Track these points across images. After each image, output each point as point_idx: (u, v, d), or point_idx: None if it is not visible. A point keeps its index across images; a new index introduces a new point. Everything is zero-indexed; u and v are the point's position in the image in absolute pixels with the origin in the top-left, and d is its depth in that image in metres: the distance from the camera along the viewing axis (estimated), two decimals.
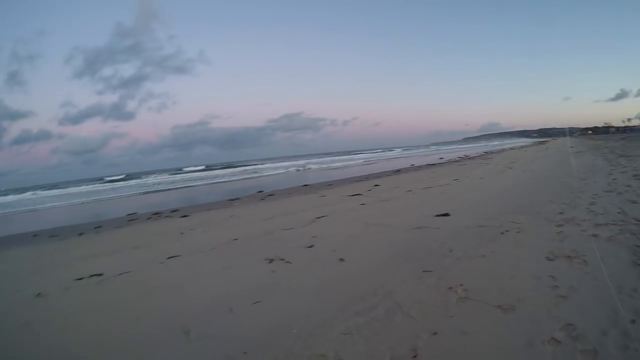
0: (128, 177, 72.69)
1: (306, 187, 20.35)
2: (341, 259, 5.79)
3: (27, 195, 53.72)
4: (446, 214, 7.92)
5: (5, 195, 57.26)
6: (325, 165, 50.48)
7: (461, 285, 4.21)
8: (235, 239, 8.30)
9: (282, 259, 6.23)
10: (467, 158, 33.82)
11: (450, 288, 4.17)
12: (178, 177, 60.40)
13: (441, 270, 4.79)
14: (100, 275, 6.95)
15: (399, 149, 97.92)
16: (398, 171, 24.72)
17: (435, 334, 3.35)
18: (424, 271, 4.80)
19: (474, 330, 3.35)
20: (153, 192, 35.62)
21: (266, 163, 76.87)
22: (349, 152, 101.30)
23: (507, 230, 6.28)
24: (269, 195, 18.57)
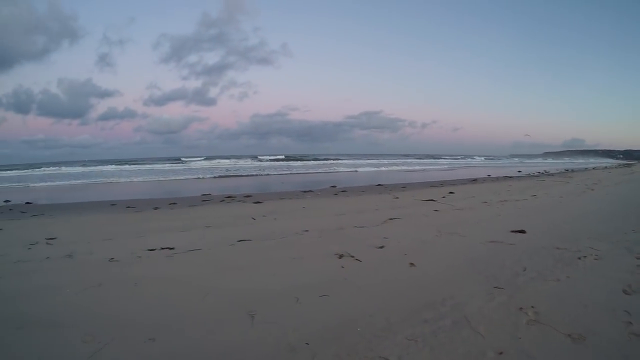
0: (207, 159, 74.17)
1: (380, 187, 20.28)
2: (412, 264, 5.76)
3: (109, 167, 55.80)
4: (522, 231, 7.69)
5: (86, 166, 59.55)
6: (404, 168, 50.09)
7: (532, 307, 4.09)
8: (306, 231, 8.39)
9: (352, 256, 6.26)
10: (547, 174, 32.50)
11: (521, 309, 4.07)
12: (256, 163, 61.51)
13: (513, 288, 4.68)
14: (171, 249, 7.20)
15: (477, 158, 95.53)
16: (474, 180, 24.17)
17: (501, 353, 3.28)
18: (495, 287, 4.70)
19: (541, 356, 3.26)
20: (229, 176, 36.22)
21: (343, 159, 76.79)
22: (426, 156, 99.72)
23: (584, 256, 6.00)
24: (342, 191, 18.66)
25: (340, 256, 6.28)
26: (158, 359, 3.45)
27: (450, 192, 15.59)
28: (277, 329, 3.88)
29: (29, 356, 3.57)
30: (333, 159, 74.77)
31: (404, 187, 20.02)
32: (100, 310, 4.52)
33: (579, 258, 5.90)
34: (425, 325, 3.78)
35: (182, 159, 77.92)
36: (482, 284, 4.83)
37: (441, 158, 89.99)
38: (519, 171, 37.31)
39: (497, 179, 26.06)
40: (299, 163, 62.16)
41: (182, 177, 34.65)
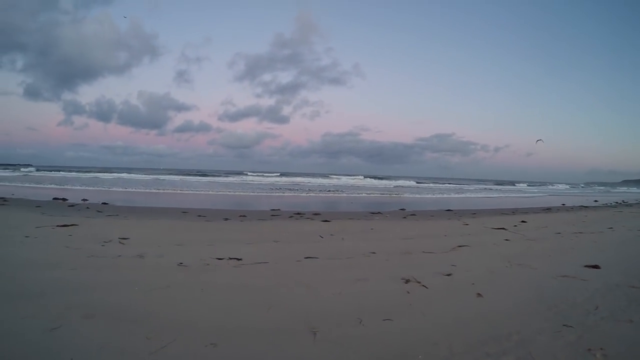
0: (281, 175, 75.53)
1: (449, 212, 20.00)
2: (479, 294, 5.67)
3: (183, 176, 57.79)
4: (596, 266, 7.41)
5: (161, 174, 61.87)
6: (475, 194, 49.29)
7: (601, 349, 3.95)
8: (373, 252, 8.41)
9: (419, 282, 6.23)
10: (625, 204, 31.14)
11: (589, 350, 3.94)
12: (333, 181, 62.25)
13: (583, 328, 4.52)
14: (239, 259, 7.41)
15: (552, 185, 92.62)
16: (548, 209, 23.39)
17: None
18: (564, 325, 4.56)
19: None
20: (299, 193, 36.56)
21: (413, 181, 76.57)
22: (497, 182, 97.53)
23: None
24: (411, 214, 18.51)
25: (407, 281, 6.27)
26: None
27: (522, 221, 15.16)
28: (338, 348, 3.94)
29: (92, 344, 3.84)
30: (403, 180, 74.42)
31: (474, 213, 19.67)
32: (166, 311, 4.77)
33: None
34: (488, 359, 3.73)
35: (249, 173, 79.64)
36: (551, 321, 4.71)
37: (513, 184, 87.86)
38: (595, 200, 35.94)
39: (572, 208, 25.16)
40: (376, 182, 62.61)
41: (252, 191, 35.28)
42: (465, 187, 66.81)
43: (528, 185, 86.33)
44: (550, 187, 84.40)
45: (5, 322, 4.27)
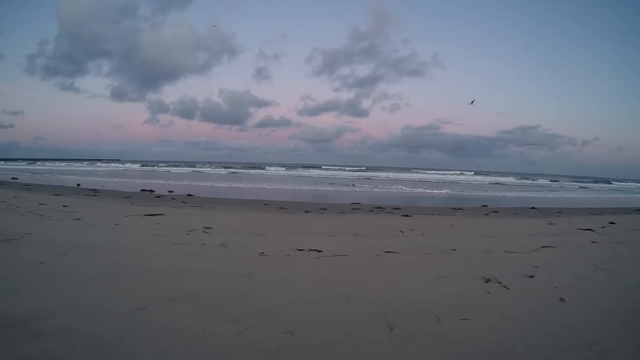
0: (367, 169, 75.82)
1: (533, 210, 19.35)
2: (562, 299, 5.54)
3: (266, 169, 59.09)
4: None
5: (245, 168, 63.52)
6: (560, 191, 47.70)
7: None
8: (453, 249, 8.39)
9: (500, 282, 6.17)
10: None
11: None
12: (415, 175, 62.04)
13: None
14: (319, 251, 7.59)
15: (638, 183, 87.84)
16: (639, 210, 22.38)
17: None
18: None
19: None
20: (379, 187, 36.51)
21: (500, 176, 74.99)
22: (585, 178, 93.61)
23: None
24: (494, 211, 18.13)
25: (487, 280, 6.24)
26: (294, 350, 3.77)
27: (611, 222, 14.43)
28: (414, 344, 4.00)
29: (174, 325, 4.12)
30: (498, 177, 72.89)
31: (560, 212, 18.88)
32: (247, 298, 5.03)
33: None
34: None
35: (328, 167, 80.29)
36: (636, 333, 4.55)
37: (604, 181, 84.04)
38: None
39: None
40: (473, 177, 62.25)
41: (332, 185, 35.53)
42: (551, 183, 64.77)
43: (619, 182, 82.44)
44: (637, 184, 79.98)
45: (93, 299, 4.72)
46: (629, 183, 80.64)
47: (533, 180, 71.22)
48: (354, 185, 37.07)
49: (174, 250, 7.20)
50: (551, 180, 72.31)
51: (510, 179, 67.11)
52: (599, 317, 5.00)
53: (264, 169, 65.29)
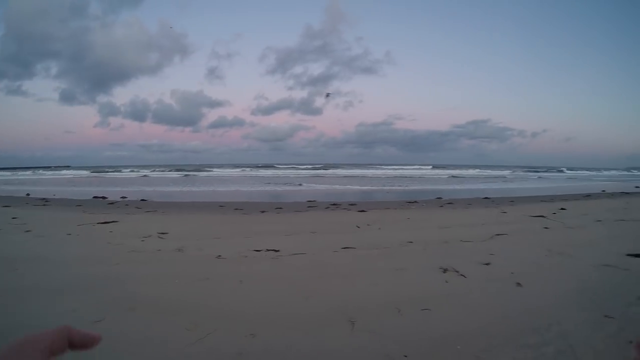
0: (322, 167, 76.07)
1: (487, 200, 19.83)
2: (518, 284, 5.64)
3: (218, 170, 58.68)
4: (639, 255, 7.24)
5: (199, 170, 62.95)
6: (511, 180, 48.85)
7: None
8: (410, 242, 8.43)
9: (457, 271, 6.24)
10: None
11: (631, 342, 3.87)
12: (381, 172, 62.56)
13: (624, 319, 4.44)
14: (277, 251, 7.54)
15: (590, 170, 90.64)
16: (588, 196, 22.89)
17: None
18: (605, 316, 4.49)
19: None
20: (335, 184, 36.69)
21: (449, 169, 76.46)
22: (535, 168, 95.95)
23: None
24: (448, 203, 18.45)
25: (445, 270, 6.28)
26: (257, 353, 3.71)
27: (562, 208, 14.89)
28: (376, 338, 4.00)
29: (136, 335, 4.01)
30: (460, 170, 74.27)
31: (512, 201, 19.41)
32: (206, 302, 4.93)
33: None
34: (527, 351, 3.73)
35: (281, 165, 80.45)
36: (591, 312, 4.65)
37: (551, 170, 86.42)
38: (637, 186, 34.98)
39: (613, 194, 24.56)
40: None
41: (287, 184, 35.56)
42: (502, 173, 66.28)
43: (567, 170, 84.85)
44: (589, 172, 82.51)
45: (51, 315, 4.50)
46: (581, 171, 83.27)
47: (492, 171, 72.93)
48: (306, 184, 37.08)
49: (130, 258, 7.03)
50: (507, 171, 74.06)
51: (469, 172, 68.48)
52: (555, 299, 5.09)
53: (218, 170, 64.79)
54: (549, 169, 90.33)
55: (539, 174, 70.14)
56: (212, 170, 63.12)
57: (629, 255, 7.29)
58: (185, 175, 55.58)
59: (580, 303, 4.93)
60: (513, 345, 3.83)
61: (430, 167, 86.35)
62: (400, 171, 68.01)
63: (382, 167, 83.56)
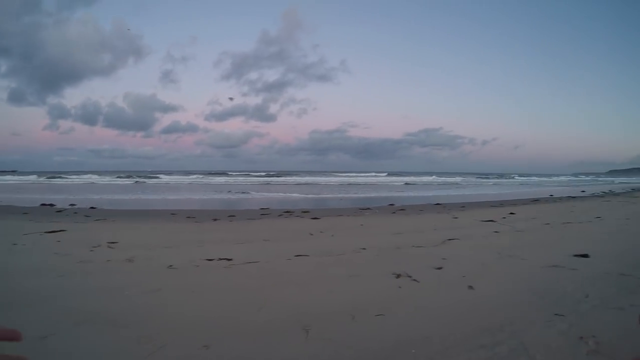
0: (276, 174, 75.95)
1: (438, 206, 20.12)
2: (470, 287, 5.69)
3: (171, 177, 57.87)
4: (585, 255, 7.46)
5: (148, 176, 61.92)
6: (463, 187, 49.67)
7: (593, 336, 3.97)
8: (363, 248, 8.43)
9: (410, 276, 6.24)
10: (612, 194, 31.27)
11: (582, 338, 3.96)
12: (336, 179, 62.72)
13: (574, 316, 4.56)
14: (229, 260, 7.38)
15: (538, 176, 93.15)
16: (536, 200, 23.59)
17: None
18: (555, 314, 4.59)
19: None
20: (288, 191, 36.66)
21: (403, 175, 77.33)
22: (486, 174, 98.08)
23: None
24: (400, 209, 18.61)
25: (398, 276, 6.28)
26: None
27: (511, 213, 15.25)
28: (331, 345, 3.94)
29: (84, 351, 3.80)
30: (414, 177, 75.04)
31: (463, 206, 19.84)
32: (158, 314, 4.74)
33: None
34: (481, 351, 3.75)
35: (234, 173, 79.95)
36: (542, 310, 4.74)
37: (501, 176, 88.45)
38: (583, 191, 36.11)
39: (560, 199, 25.33)
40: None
41: (240, 191, 35.34)
42: (454, 180, 67.43)
43: (518, 177, 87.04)
44: (539, 178, 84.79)
45: None
46: (531, 177, 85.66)
47: (446, 178, 74.13)
48: (259, 191, 36.93)
49: (78, 269, 6.75)
50: (460, 178, 75.35)
51: (423, 179, 69.25)
52: (507, 299, 5.17)
53: (170, 177, 63.64)
54: (499, 176, 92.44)
55: (492, 180, 71.77)
56: (164, 177, 62.04)
57: (575, 255, 7.51)
58: (136, 182, 54.51)
59: (532, 303, 5.02)
60: (467, 346, 3.84)
61: (386, 174, 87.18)
62: (355, 179, 68.44)
63: (336, 174, 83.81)
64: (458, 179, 72.99)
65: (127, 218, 14.57)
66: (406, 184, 55.78)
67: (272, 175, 72.89)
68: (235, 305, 5.07)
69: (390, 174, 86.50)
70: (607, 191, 35.68)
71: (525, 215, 14.95)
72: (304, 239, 10.04)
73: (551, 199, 25.09)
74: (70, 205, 19.37)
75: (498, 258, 7.49)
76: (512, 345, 3.86)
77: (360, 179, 68.73)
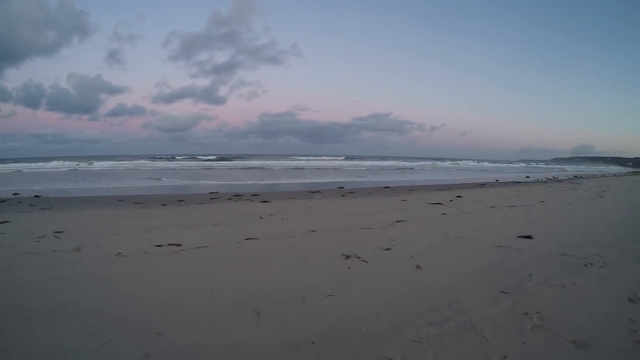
0: (219, 158, 74.87)
1: (387, 189, 20.31)
2: (418, 266, 5.78)
3: (118, 162, 56.62)
4: (529, 236, 7.69)
5: (96, 160, 60.45)
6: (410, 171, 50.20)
7: (537, 312, 4.10)
8: (313, 231, 8.44)
9: (359, 257, 6.29)
10: (555, 180, 32.20)
11: (526, 314, 4.08)
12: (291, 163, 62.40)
13: (519, 294, 4.70)
14: (178, 245, 7.23)
15: (485, 162, 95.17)
16: (482, 185, 24.11)
17: (505, 357, 3.30)
18: (501, 292, 4.72)
19: None
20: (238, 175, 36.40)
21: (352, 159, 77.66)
22: (434, 159, 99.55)
23: (591, 263, 5.99)
24: (350, 192, 18.69)
25: (347, 257, 6.32)
26: (164, 353, 3.49)
27: (458, 196, 15.55)
28: (283, 327, 3.93)
29: (35, 346, 3.64)
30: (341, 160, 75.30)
31: (411, 189, 20.08)
32: (107, 304, 4.57)
33: (586, 265, 5.89)
34: (430, 328, 3.80)
35: (179, 157, 78.84)
36: (488, 289, 4.86)
37: (449, 161, 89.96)
38: (527, 177, 37.13)
39: (505, 183, 25.96)
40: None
41: (189, 176, 34.92)
42: (402, 163, 68.24)
43: (465, 162, 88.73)
44: (484, 164, 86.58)
45: None
46: (478, 162, 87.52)
47: (397, 162, 74.87)
48: (207, 175, 36.48)
49: (24, 262, 6.49)
50: (412, 163, 76.19)
51: (382, 163, 69.73)
52: (453, 278, 5.27)
53: (117, 161, 62.19)
54: (447, 160, 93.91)
55: (443, 164, 72.90)
56: (110, 162, 60.65)
57: (520, 237, 7.73)
58: (81, 167, 53.11)
59: (478, 281, 5.14)
60: (416, 324, 3.88)
61: (343, 157, 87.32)
62: (308, 162, 68.25)
63: (291, 157, 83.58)
64: (412, 163, 73.80)
65: (73, 206, 14.11)
66: (367, 169, 55.80)
67: (221, 159, 72.04)
68: (186, 291, 4.97)
69: (347, 158, 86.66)
70: (550, 177, 36.74)
71: (471, 198, 15.26)
72: (253, 222, 9.97)
73: (497, 184, 25.70)
74: (13, 194, 18.53)
75: (445, 239, 7.62)
76: (460, 321, 3.93)
77: (314, 162, 68.48)
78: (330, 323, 4.00)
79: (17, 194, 18.49)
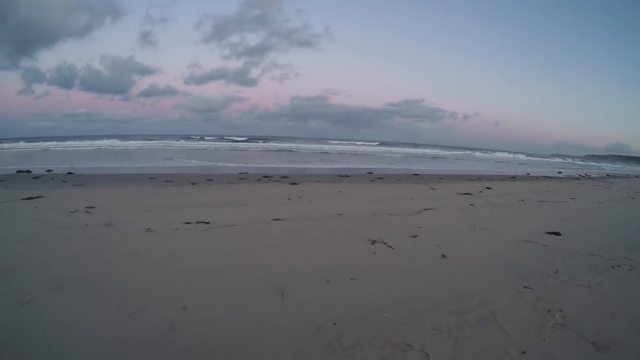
0: (259, 139, 75.09)
1: (416, 177, 20.24)
2: (443, 255, 5.81)
3: (151, 142, 57.10)
4: (557, 233, 7.60)
5: (127, 139, 60.99)
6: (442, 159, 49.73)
7: (560, 310, 4.09)
8: (340, 214, 8.49)
9: (385, 243, 6.33)
10: (588, 177, 31.51)
11: (549, 311, 4.07)
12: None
13: (543, 290, 4.68)
14: (207, 223, 7.35)
15: (520, 155, 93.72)
16: (513, 177, 23.75)
17: (524, 352, 3.31)
18: (525, 287, 4.72)
19: None
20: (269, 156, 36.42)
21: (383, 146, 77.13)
22: (465, 148, 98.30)
23: (618, 265, 5.88)
24: (379, 178, 18.70)
25: (373, 242, 6.36)
26: (189, 327, 3.59)
27: (488, 187, 15.40)
28: (306, 307, 4.01)
29: (65, 315, 3.77)
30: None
31: (441, 178, 19.94)
32: (136, 278, 4.71)
33: (613, 267, 5.80)
34: (451, 317, 3.84)
35: (225, 137, 79.05)
36: (512, 283, 4.86)
37: (480, 151, 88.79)
38: (559, 172, 36.46)
39: (537, 178, 25.55)
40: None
41: (220, 156, 35.05)
42: (433, 152, 67.57)
43: (496, 153, 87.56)
44: (519, 156, 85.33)
45: None
46: (509, 154, 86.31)
47: (440, 150, 74.30)
48: (238, 155, 36.62)
49: (57, 235, 6.65)
50: (446, 151, 75.37)
51: (426, 151, 68.94)
52: (478, 269, 5.29)
53: (149, 141, 62.64)
54: (478, 151, 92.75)
55: (479, 154, 72.09)
56: (143, 141, 61.14)
57: (548, 233, 7.64)
58: (115, 146, 53.68)
59: (502, 275, 5.13)
60: (437, 312, 3.93)
61: (377, 143, 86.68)
62: (340, 146, 67.73)
63: (320, 140, 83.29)
64: (446, 152, 72.83)
65: (104, 183, 14.32)
66: (409, 155, 55.06)
67: (252, 140, 72.06)
68: (212, 268, 5.06)
69: (382, 144, 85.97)
70: (583, 174, 36.02)
71: (501, 190, 15.07)
72: (282, 203, 10.04)
73: (528, 177, 25.29)
74: (47, 171, 18.84)
75: (472, 230, 7.61)
76: (482, 313, 3.96)
77: (347, 147, 67.92)
78: (353, 306, 4.06)
79: (51, 170, 18.87)
